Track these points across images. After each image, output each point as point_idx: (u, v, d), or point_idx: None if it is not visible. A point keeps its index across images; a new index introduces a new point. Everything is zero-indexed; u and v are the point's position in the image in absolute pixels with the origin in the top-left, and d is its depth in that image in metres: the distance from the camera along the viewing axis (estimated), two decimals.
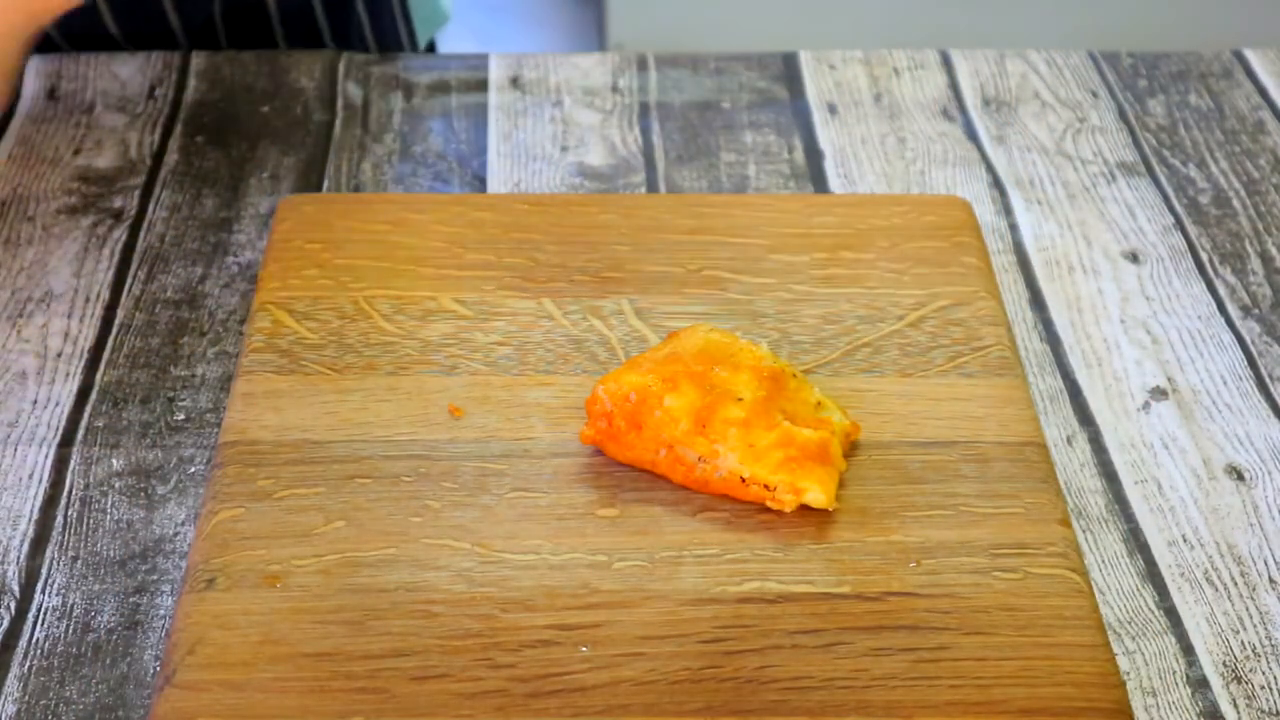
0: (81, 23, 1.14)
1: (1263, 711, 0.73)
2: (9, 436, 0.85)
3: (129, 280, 0.95)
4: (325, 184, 1.03)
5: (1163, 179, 1.06)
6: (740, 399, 0.77)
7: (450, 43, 1.57)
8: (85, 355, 0.90)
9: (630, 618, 0.71)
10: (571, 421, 0.80)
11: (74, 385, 0.88)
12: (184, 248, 0.98)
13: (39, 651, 0.74)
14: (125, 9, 1.16)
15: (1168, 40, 2.06)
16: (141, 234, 0.99)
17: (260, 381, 0.82)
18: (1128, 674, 0.74)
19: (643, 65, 1.15)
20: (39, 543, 0.79)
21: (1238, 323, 0.94)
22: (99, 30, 1.17)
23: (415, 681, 0.68)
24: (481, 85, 1.13)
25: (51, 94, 1.10)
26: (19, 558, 0.78)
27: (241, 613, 0.71)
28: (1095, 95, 1.14)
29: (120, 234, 0.99)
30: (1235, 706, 0.73)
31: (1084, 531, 0.81)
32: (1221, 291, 0.96)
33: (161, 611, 0.76)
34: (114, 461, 0.83)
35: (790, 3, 2.49)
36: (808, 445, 0.76)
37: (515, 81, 1.13)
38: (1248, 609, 0.77)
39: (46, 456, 0.84)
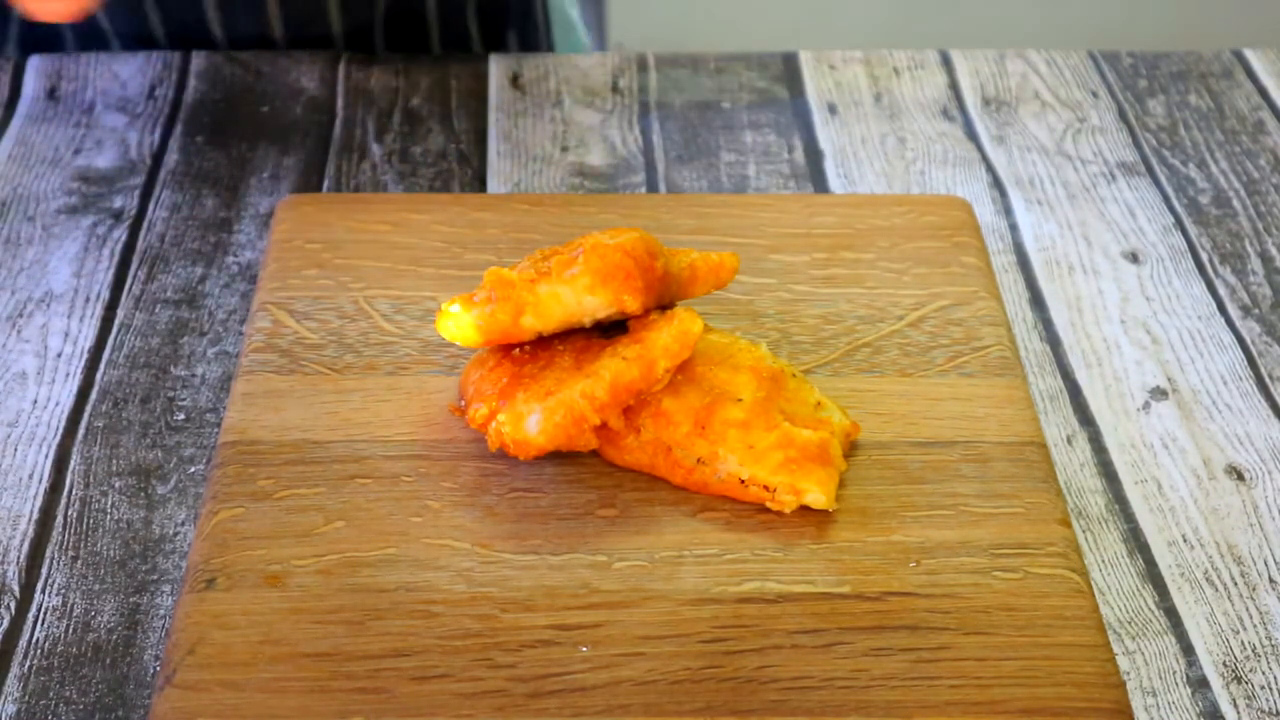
0: (246, 21, 1.14)
1: (1263, 711, 0.73)
2: (9, 436, 0.85)
3: (129, 280, 0.95)
4: (325, 184, 1.03)
5: (1163, 179, 1.06)
6: (740, 400, 0.77)
7: None
8: (85, 355, 0.90)
9: (630, 618, 0.71)
10: None
11: (74, 385, 0.88)
12: (184, 248, 0.98)
13: (39, 651, 0.74)
14: (294, 12, 1.16)
15: (1168, 40, 2.06)
16: (141, 234, 0.99)
17: (260, 381, 0.82)
18: (1128, 674, 0.74)
19: (643, 65, 1.15)
20: (39, 543, 0.79)
21: (1238, 323, 0.94)
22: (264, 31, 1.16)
23: (415, 681, 0.68)
24: (482, 85, 1.13)
25: (51, 94, 1.10)
26: (19, 558, 0.78)
27: (241, 613, 0.71)
28: (1095, 95, 1.14)
29: (120, 234, 0.99)
30: (1235, 706, 0.73)
31: (1084, 531, 0.81)
32: (1221, 291, 0.96)
33: (161, 611, 0.76)
34: (114, 461, 0.83)
35: (790, 3, 2.49)
36: (808, 446, 0.76)
37: (515, 81, 1.13)
38: (1248, 609, 0.77)
39: (46, 456, 0.84)
